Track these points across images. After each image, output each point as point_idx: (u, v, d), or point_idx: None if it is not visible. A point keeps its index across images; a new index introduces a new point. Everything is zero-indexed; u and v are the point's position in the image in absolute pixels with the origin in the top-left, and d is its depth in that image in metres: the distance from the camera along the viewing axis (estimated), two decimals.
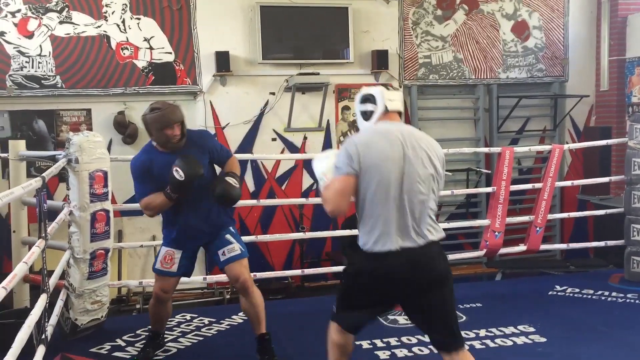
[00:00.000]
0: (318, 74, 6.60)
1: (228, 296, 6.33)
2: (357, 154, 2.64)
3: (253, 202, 5.96)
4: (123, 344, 4.02)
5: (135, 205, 3.70)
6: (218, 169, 3.76)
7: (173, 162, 3.34)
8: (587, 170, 7.22)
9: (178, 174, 3.31)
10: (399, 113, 2.87)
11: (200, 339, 4.11)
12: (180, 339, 4.09)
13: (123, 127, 6.36)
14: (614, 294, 4.86)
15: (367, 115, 2.83)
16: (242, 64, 6.63)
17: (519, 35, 7.42)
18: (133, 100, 6.42)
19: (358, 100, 2.89)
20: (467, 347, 2.80)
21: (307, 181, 6.86)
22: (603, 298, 4.78)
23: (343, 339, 2.83)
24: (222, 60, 6.46)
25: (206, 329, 4.28)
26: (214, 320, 4.46)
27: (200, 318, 4.51)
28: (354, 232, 5.16)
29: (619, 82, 7.41)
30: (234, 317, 4.52)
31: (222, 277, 5.09)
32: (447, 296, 2.69)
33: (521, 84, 7.46)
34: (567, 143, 7.13)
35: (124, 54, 6.31)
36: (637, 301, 4.67)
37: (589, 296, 4.83)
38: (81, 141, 4.02)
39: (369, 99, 2.83)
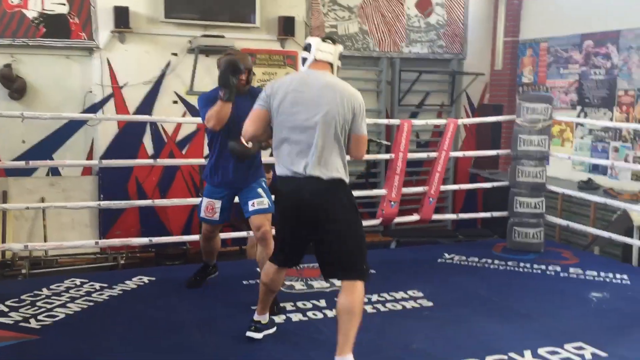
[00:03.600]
0: (223, 37, 6.46)
1: (122, 261, 6.17)
2: (270, 94, 3.10)
3: (150, 161, 5.77)
4: (6, 309, 3.82)
5: (21, 163, 3.51)
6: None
7: (236, 104, 3.68)
8: (479, 146, 7.59)
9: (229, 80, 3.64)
10: (330, 64, 3.15)
11: (90, 304, 3.98)
12: (69, 304, 3.94)
13: (10, 82, 5.96)
14: (496, 261, 5.18)
15: (303, 62, 3.19)
16: (143, 22, 6.36)
17: (422, 11, 7.60)
18: (21, 52, 6.02)
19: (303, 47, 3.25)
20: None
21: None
22: (486, 266, 5.08)
23: (270, 277, 3.30)
24: (121, 16, 6.17)
25: (97, 294, 4.15)
26: (105, 285, 4.32)
27: (91, 283, 4.36)
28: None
29: (512, 63, 7.79)
30: (127, 282, 4.40)
31: (115, 242, 4.97)
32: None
33: (422, 59, 7.67)
34: (462, 118, 7.44)
35: (12, 2, 5.88)
36: (516, 268, 5.01)
37: (474, 264, 5.12)
38: None
39: (306, 47, 3.18)
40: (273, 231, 3.68)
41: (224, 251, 6.69)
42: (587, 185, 6.45)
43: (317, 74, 3.10)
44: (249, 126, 3.17)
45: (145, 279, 4.49)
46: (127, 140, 6.45)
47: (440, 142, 5.55)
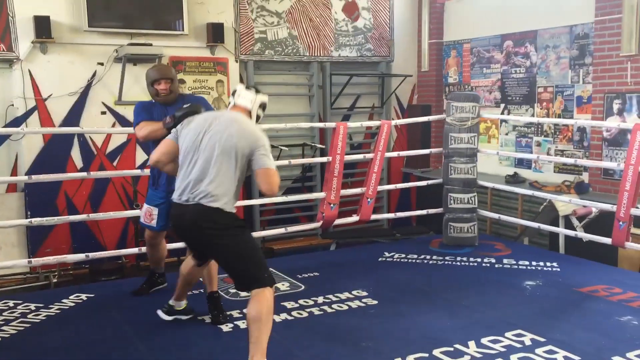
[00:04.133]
0: (151, 44, 6.34)
1: (55, 280, 5.94)
2: (181, 126, 3.37)
3: (83, 174, 5.56)
4: None
5: None
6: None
7: (167, 112, 3.94)
8: (410, 145, 7.78)
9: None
10: (245, 109, 3.36)
11: (27, 325, 3.81)
12: (4, 327, 3.75)
13: None
14: (434, 257, 5.33)
15: (228, 105, 3.49)
16: (65, 31, 6.15)
17: (349, 15, 7.72)
18: None
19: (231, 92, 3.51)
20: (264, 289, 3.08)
21: (141, 156, 6.59)
22: (425, 261, 5.22)
23: (188, 269, 3.63)
24: (42, 26, 5.94)
25: (33, 315, 3.97)
26: (41, 305, 4.15)
27: (26, 304, 4.17)
28: None
29: (437, 64, 8.04)
30: (64, 300, 4.24)
31: (50, 260, 4.77)
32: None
33: (352, 63, 7.79)
34: (394, 119, 7.61)
35: None
36: (453, 262, 5.17)
37: (414, 260, 5.25)
38: None
39: (233, 92, 3.45)
40: None
41: None
42: (514, 179, 6.74)
43: (231, 113, 3.35)
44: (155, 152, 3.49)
45: (84, 296, 4.34)
46: (54, 154, 6.21)
47: (375, 143, 5.65)
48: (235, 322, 3.81)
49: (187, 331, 3.69)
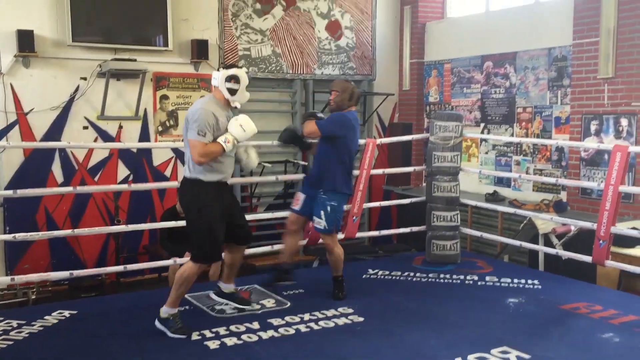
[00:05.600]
0: (135, 60, 6.33)
1: (34, 296, 5.84)
2: None
3: (67, 189, 5.48)
4: None
5: None
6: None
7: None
8: (392, 163, 7.85)
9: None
10: (214, 87, 3.90)
11: (10, 343, 3.73)
12: None
13: None
14: (418, 274, 5.36)
15: None
16: (49, 45, 6.13)
17: (332, 34, 7.81)
18: None
19: None
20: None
21: (122, 172, 6.55)
22: (409, 279, 5.25)
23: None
24: (25, 40, 5.91)
25: (15, 332, 3.90)
26: (23, 322, 4.07)
27: (7, 321, 4.08)
28: (174, 223, 5.09)
29: (418, 83, 8.16)
30: (46, 317, 4.17)
31: (33, 277, 4.69)
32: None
33: (335, 81, 7.84)
34: (376, 137, 7.68)
35: None
36: (437, 280, 5.21)
37: (397, 277, 5.28)
38: None
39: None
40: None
41: (142, 279, 6.53)
42: (494, 198, 6.84)
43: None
44: None
45: (66, 313, 4.27)
46: (34, 168, 6.14)
47: (360, 161, 5.69)
48: (222, 339, 3.78)
49: (174, 348, 3.66)
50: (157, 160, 6.75)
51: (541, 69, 6.63)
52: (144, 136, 6.63)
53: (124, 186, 5.61)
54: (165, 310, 3.88)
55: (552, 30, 6.48)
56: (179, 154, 6.85)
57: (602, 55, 5.81)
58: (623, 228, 4.85)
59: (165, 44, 6.54)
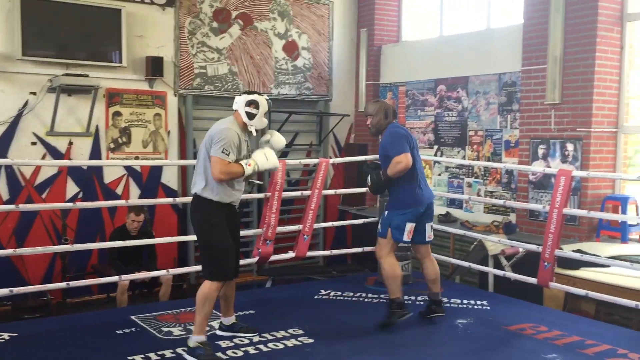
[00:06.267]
0: (87, 75, 6.24)
1: None
2: None
3: (11, 207, 5.29)
4: None
5: None
6: None
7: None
8: (347, 183, 7.90)
9: None
10: (235, 111, 3.99)
11: None
12: None
13: None
14: (370, 295, 5.38)
15: None
16: None
17: (289, 55, 7.86)
18: None
19: None
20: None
21: (72, 189, 6.41)
22: (361, 299, 5.26)
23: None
24: None
25: None
26: None
27: None
28: (122, 243, 5.00)
29: None
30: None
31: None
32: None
33: (291, 100, 7.90)
34: (331, 157, 7.72)
35: None
36: (388, 300, 5.22)
37: (350, 298, 5.28)
38: None
39: None
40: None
41: (90, 300, 6.37)
42: (446, 219, 6.94)
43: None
44: None
45: (6, 335, 4.13)
46: None
47: (313, 180, 5.71)
48: None
49: None
50: (108, 178, 6.63)
51: (492, 93, 6.80)
52: (95, 153, 6.50)
53: (70, 204, 5.44)
54: (194, 340, 3.76)
55: (502, 56, 6.66)
56: (130, 172, 6.74)
57: (549, 82, 6.00)
58: (567, 250, 4.97)
59: (119, 60, 6.47)
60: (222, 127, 3.85)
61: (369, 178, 4.55)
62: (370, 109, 4.58)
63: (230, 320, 4.27)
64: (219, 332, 4.23)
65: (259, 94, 4.02)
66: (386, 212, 4.56)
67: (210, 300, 3.78)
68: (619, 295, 4.58)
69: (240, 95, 4.01)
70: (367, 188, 4.68)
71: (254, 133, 4.01)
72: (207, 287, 3.80)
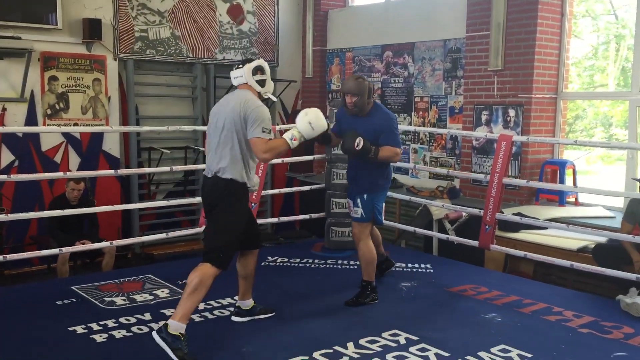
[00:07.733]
0: (20, 38, 5.94)
1: None
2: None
3: None
4: None
5: None
6: None
7: (356, 123, 4.23)
8: (294, 150, 7.83)
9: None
10: (243, 85, 3.64)
11: None
12: None
13: None
14: (316, 260, 5.41)
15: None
16: None
17: (234, 19, 7.68)
18: None
19: None
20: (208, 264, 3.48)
21: (7, 157, 6.15)
22: (308, 265, 5.29)
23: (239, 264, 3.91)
24: None
25: None
26: None
27: None
28: (61, 212, 4.86)
29: (321, 70, 8.20)
30: None
31: None
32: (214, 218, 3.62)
33: None
34: (278, 124, 7.65)
35: None
36: (335, 266, 5.28)
37: (296, 264, 5.30)
38: None
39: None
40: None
41: (30, 271, 6.19)
42: (392, 184, 6.98)
43: (234, 93, 3.66)
44: None
45: None
46: None
47: None
48: (110, 332, 3.65)
49: (59, 342, 3.48)
50: (45, 146, 6.39)
51: (437, 59, 6.84)
52: (31, 119, 6.24)
53: (4, 177, 5.18)
54: (175, 326, 3.29)
55: (447, 22, 6.68)
56: (69, 139, 6.51)
57: (493, 48, 6.07)
58: (507, 214, 5.11)
59: (55, 22, 6.18)
60: (252, 105, 3.49)
61: (362, 142, 4.10)
62: (354, 87, 4.19)
63: (249, 303, 3.97)
64: (235, 319, 3.93)
65: (250, 59, 3.68)
66: (365, 195, 4.32)
67: (205, 287, 3.41)
68: (556, 255, 4.75)
69: (235, 69, 3.66)
70: (348, 147, 4.16)
71: (274, 99, 3.82)
72: (207, 271, 3.44)
